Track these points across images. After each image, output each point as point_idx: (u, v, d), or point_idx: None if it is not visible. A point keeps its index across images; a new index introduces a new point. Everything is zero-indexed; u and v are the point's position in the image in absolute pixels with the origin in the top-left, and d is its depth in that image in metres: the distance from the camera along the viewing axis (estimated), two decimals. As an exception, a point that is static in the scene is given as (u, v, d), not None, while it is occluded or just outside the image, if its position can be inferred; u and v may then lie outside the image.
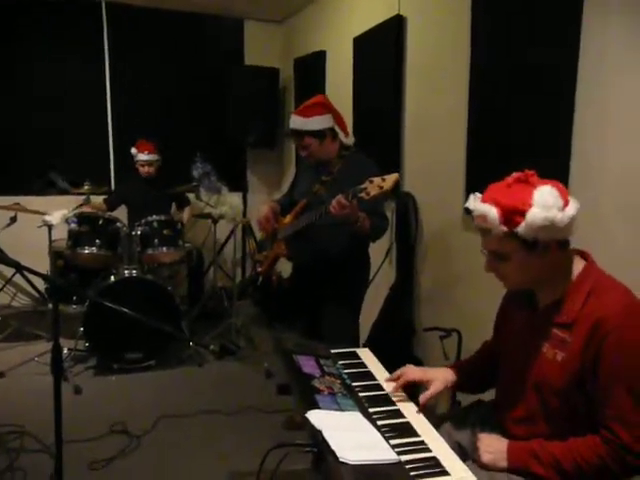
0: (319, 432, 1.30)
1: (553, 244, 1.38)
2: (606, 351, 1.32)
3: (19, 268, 1.71)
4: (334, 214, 2.22)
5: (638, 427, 1.29)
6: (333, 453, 1.22)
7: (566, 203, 1.36)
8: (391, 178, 2.09)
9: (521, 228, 1.34)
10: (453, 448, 1.60)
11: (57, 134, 4.59)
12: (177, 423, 2.93)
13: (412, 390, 1.72)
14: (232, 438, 2.74)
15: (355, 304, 2.73)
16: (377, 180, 2.10)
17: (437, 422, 1.70)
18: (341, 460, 1.21)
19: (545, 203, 1.32)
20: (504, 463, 1.44)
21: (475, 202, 1.44)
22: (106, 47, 4.71)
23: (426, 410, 1.62)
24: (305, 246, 2.62)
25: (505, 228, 1.36)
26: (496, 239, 1.41)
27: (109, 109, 4.77)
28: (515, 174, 1.44)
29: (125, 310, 2.06)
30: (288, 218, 2.67)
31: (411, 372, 1.72)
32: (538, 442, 1.43)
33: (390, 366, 1.85)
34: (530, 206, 1.33)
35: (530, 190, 1.35)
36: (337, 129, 2.59)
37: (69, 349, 3.56)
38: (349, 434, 1.32)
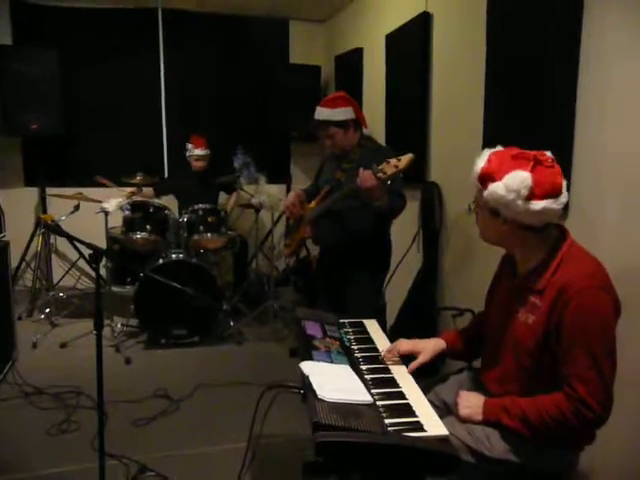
0: (306, 377, 1.50)
1: (513, 222, 1.52)
2: (568, 315, 1.45)
3: (70, 238, 2.01)
4: (361, 187, 2.37)
5: (593, 383, 1.41)
6: (314, 392, 1.42)
7: (536, 197, 1.45)
8: (406, 158, 2.26)
9: (485, 192, 1.50)
10: (439, 406, 1.78)
11: (116, 131, 5.01)
12: (213, 391, 3.21)
13: (407, 361, 1.88)
14: (260, 407, 2.97)
15: (377, 283, 2.88)
16: (393, 160, 2.28)
17: (429, 385, 1.87)
18: (319, 397, 1.40)
19: (508, 185, 1.46)
20: (479, 417, 1.59)
21: (484, 152, 1.59)
22: (161, 49, 5.08)
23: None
24: (329, 227, 2.80)
25: (479, 185, 1.52)
26: (475, 188, 1.58)
27: (163, 106, 5.14)
28: (533, 152, 1.52)
29: (169, 282, 2.36)
30: (313, 203, 2.87)
31: (402, 345, 1.87)
32: (510, 398, 1.57)
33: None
34: (500, 180, 1.48)
35: (520, 166, 1.47)
36: (357, 121, 2.76)
37: (122, 325, 3.93)
38: (332, 379, 1.51)
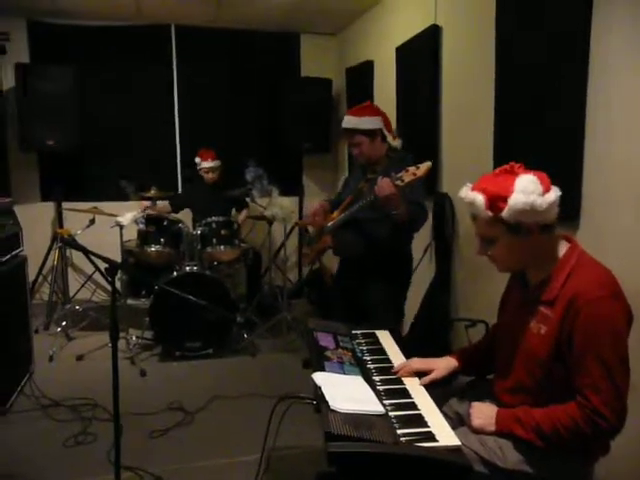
0: (319, 387, 1.52)
1: (535, 228, 1.53)
2: (579, 324, 1.45)
3: (86, 252, 2.05)
4: (379, 195, 2.38)
5: (606, 393, 1.41)
6: (326, 403, 1.43)
7: (547, 190, 1.50)
8: (424, 165, 2.29)
9: (505, 212, 1.50)
10: (452, 417, 1.78)
11: (130, 145, 5.09)
12: (227, 403, 3.22)
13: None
14: (274, 419, 2.98)
15: (397, 297, 2.86)
16: (412, 168, 2.31)
17: (442, 397, 1.87)
18: (332, 408, 1.41)
19: (525, 189, 1.47)
20: (492, 427, 1.59)
21: (466, 191, 1.61)
22: (174, 65, 5.16)
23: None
24: (348, 238, 2.80)
25: (490, 213, 1.52)
26: (484, 224, 1.57)
27: (177, 121, 5.22)
28: (503, 166, 1.60)
29: (184, 295, 2.39)
30: (335, 213, 2.88)
31: (415, 363, 1.88)
32: (523, 409, 1.57)
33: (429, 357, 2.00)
34: (512, 192, 1.49)
35: (513, 178, 1.51)
36: (385, 132, 2.76)
37: (137, 337, 3.97)
38: (345, 390, 1.53)
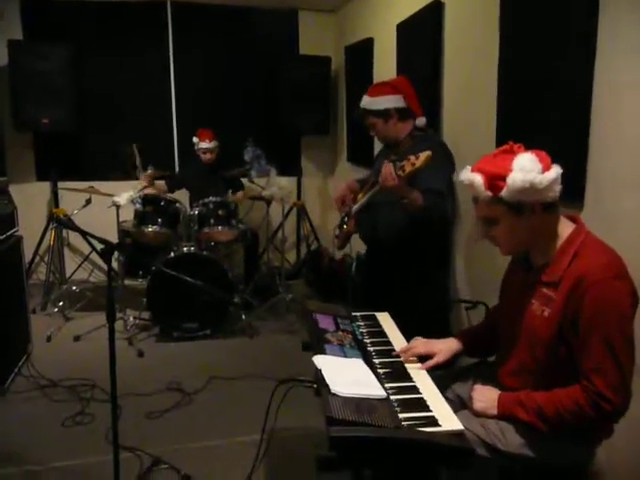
0: (319, 370, 1.50)
1: (537, 206, 1.50)
2: (584, 306, 1.43)
3: (82, 233, 2.01)
4: (382, 185, 2.30)
5: (611, 375, 1.39)
6: (327, 386, 1.41)
7: (546, 168, 1.47)
8: (423, 155, 2.20)
9: (504, 192, 1.47)
10: (454, 400, 1.76)
11: (126, 124, 5.00)
12: (225, 384, 3.22)
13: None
14: (274, 401, 2.98)
15: (424, 284, 2.74)
16: (412, 158, 2.22)
17: (445, 381, 1.85)
18: (333, 392, 1.39)
19: (523, 167, 1.45)
20: (494, 411, 1.58)
21: (465, 172, 1.58)
22: (171, 42, 5.05)
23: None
24: (369, 223, 2.74)
25: (490, 193, 1.50)
26: (484, 205, 1.54)
27: (173, 100, 5.13)
28: (502, 146, 1.57)
29: (181, 276, 2.36)
30: (360, 196, 2.81)
31: (418, 346, 1.86)
32: (525, 392, 1.55)
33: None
34: (510, 171, 1.46)
35: (512, 158, 1.49)
36: (408, 110, 2.64)
37: (134, 318, 3.95)
38: (345, 373, 1.51)
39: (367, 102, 2.63)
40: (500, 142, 2.70)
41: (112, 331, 1.90)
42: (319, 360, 1.56)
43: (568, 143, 2.16)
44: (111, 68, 4.94)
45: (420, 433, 1.32)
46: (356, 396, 1.40)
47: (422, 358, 1.82)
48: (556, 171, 1.48)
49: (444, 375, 1.87)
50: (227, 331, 3.97)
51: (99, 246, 1.95)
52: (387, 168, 2.24)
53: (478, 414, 1.60)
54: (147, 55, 5.05)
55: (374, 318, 2.12)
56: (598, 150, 2.09)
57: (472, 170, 1.56)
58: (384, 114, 2.62)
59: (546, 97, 2.34)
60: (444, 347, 1.86)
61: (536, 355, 1.57)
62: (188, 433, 2.70)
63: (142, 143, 4.36)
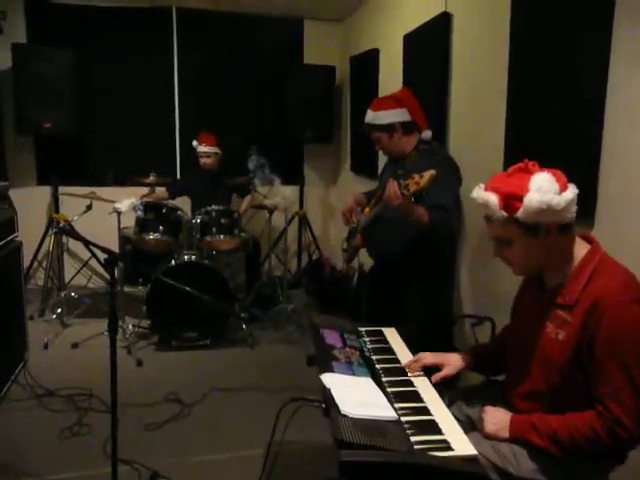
0: (328, 390, 1.46)
1: (554, 228, 1.46)
2: (601, 330, 1.39)
3: (85, 242, 1.97)
4: (387, 203, 2.26)
5: (628, 403, 1.36)
6: (337, 407, 1.37)
7: (563, 188, 1.44)
8: (427, 174, 2.15)
9: (520, 213, 1.44)
10: (463, 421, 1.72)
11: (129, 130, 4.98)
12: (225, 396, 3.16)
13: (428, 374, 1.83)
14: (272, 411, 2.91)
15: (429, 299, 2.71)
16: (416, 177, 2.17)
17: (452, 398, 1.82)
18: (343, 413, 1.35)
19: (541, 188, 1.41)
20: (506, 434, 1.54)
21: (478, 191, 1.55)
22: (175, 48, 5.04)
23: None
24: (376, 238, 2.70)
25: (505, 213, 1.46)
26: (499, 225, 1.51)
27: (177, 106, 5.11)
28: (517, 165, 1.54)
29: (183, 287, 2.32)
30: (366, 210, 2.78)
31: (427, 358, 1.84)
32: (538, 415, 1.51)
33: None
34: (527, 191, 1.42)
35: (528, 177, 1.45)
36: (412, 123, 2.61)
37: (133, 326, 3.90)
38: (355, 393, 1.47)
39: (371, 117, 2.61)
40: (508, 157, 2.68)
41: (114, 343, 1.85)
42: (327, 379, 1.52)
43: (579, 159, 2.14)
44: (115, 73, 4.92)
45: (433, 458, 1.27)
46: (366, 417, 1.36)
47: (428, 373, 1.80)
48: (572, 191, 1.45)
49: (453, 394, 1.84)
50: (227, 341, 3.92)
51: (101, 255, 1.92)
52: (392, 186, 2.21)
53: (489, 437, 1.56)
54: (151, 61, 5.03)
55: (381, 334, 2.08)
56: (610, 167, 2.06)
57: (486, 189, 1.52)
58: (388, 128, 2.59)
59: (557, 111, 2.31)
60: (453, 359, 1.84)
61: (550, 379, 1.53)
62: (187, 446, 2.65)
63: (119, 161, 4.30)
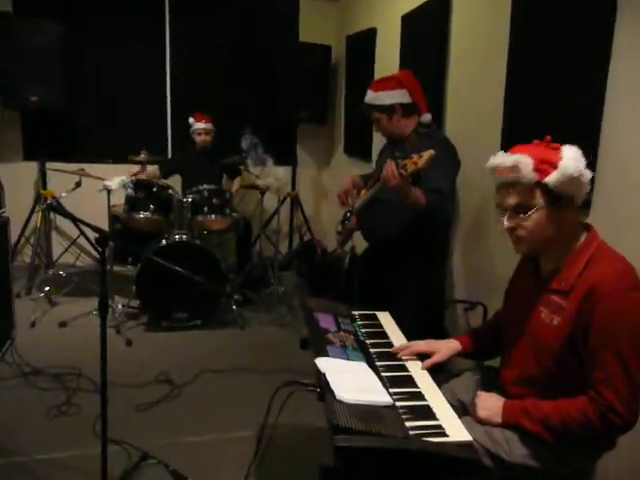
0: (323, 374, 1.44)
1: (574, 202, 1.47)
2: (596, 317, 1.39)
3: (74, 220, 1.92)
4: (385, 183, 2.23)
5: (622, 389, 1.35)
6: (332, 392, 1.36)
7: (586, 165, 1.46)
8: (426, 154, 2.11)
9: (551, 177, 1.42)
10: (456, 405, 1.72)
11: (120, 106, 4.88)
12: (216, 377, 3.15)
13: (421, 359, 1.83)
14: (264, 394, 2.88)
15: (424, 283, 2.70)
16: (415, 157, 2.13)
17: (444, 380, 1.82)
18: (338, 398, 1.34)
19: (575, 157, 1.43)
20: (498, 419, 1.54)
21: (502, 156, 1.51)
22: (167, 25, 4.92)
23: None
24: (371, 221, 2.68)
25: (537, 176, 1.43)
26: (523, 190, 1.47)
27: (168, 84, 5.01)
28: (535, 141, 1.53)
29: (175, 268, 2.28)
30: (362, 192, 2.74)
31: (418, 345, 1.83)
32: (531, 401, 1.51)
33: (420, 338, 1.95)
34: (561, 159, 1.43)
35: (555, 149, 1.47)
36: (413, 105, 2.57)
37: (123, 305, 3.86)
38: (350, 378, 1.45)
39: (371, 97, 2.56)
40: (506, 141, 2.65)
41: (104, 323, 1.82)
42: (322, 363, 1.50)
43: (578, 144, 2.12)
44: (105, 47, 4.80)
45: (429, 444, 1.27)
46: (362, 403, 1.34)
47: (420, 358, 1.79)
48: (589, 171, 1.46)
49: (444, 379, 1.84)
50: (218, 322, 3.90)
51: (91, 233, 1.87)
52: (390, 166, 2.17)
53: (482, 422, 1.56)
54: (143, 37, 4.91)
55: (375, 318, 2.07)
56: (608, 153, 2.04)
57: (512, 153, 1.49)
58: (388, 110, 2.55)
59: (557, 96, 2.28)
60: (444, 347, 1.83)
61: (544, 364, 1.52)
62: (178, 427, 2.64)
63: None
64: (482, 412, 1.56)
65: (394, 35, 3.82)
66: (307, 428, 2.58)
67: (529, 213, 1.47)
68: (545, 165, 1.43)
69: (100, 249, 1.74)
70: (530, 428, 1.47)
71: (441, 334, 3.04)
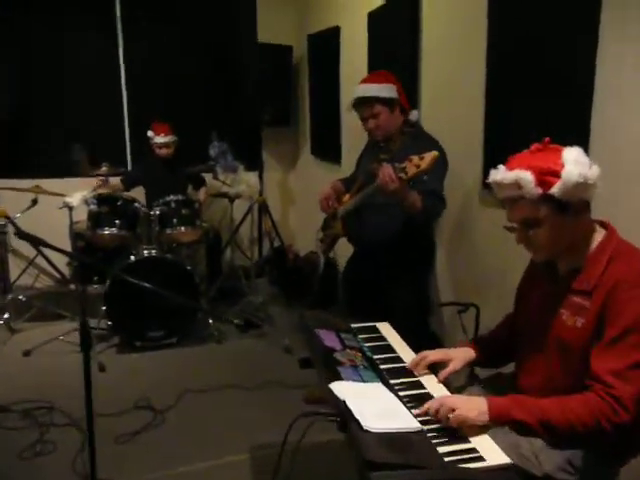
0: (342, 402, 1.33)
1: (583, 206, 1.41)
2: (618, 311, 1.34)
3: (38, 244, 1.75)
4: (381, 188, 2.13)
5: (634, 385, 1.29)
6: (357, 422, 1.25)
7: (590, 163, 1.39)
8: (429, 156, 2.03)
9: (556, 188, 1.35)
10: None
11: (73, 116, 4.60)
12: (200, 398, 2.99)
13: (433, 370, 1.75)
14: (254, 412, 2.79)
15: (418, 293, 2.67)
16: (415, 159, 2.04)
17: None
18: (365, 428, 1.23)
19: (577, 160, 1.35)
20: (486, 417, 1.38)
21: (502, 172, 1.44)
22: (119, 28, 4.69)
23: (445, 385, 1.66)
24: (360, 225, 2.58)
25: (540, 190, 1.36)
26: (529, 205, 1.40)
27: (124, 90, 4.77)
28: (534, 144, 1.45)
29: (150, 286, 2.12)
30: (347, 197, 2.63)
31: (432, 355, 1.74)
32: (524, 396, 1.44)
33: (408, 342, 1.88)
34: (562, 166, 1.35)
35: (556, 153, 1.39)
36: (400, 103, 2.50)
37: (92, 327, 3.62)
38: (372, 403, 1.35)
39: (375, 89, 2.43)
40: (488, 141, 2.61)
41: (87, 361, 1.66)
42: (338, 388, 1.39)
43: (565, 139, 2.08)
44: (54, 56, 4.53)
45: (468, 473, 1.18)
46: (390, 431, 1.24)
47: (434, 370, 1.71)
48: (596, 167, 1.39)
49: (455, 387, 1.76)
50: (194, 338, 3.73)
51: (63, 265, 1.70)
52: (387, 170, 2.07)
53: (468, 422, 1.41)
54: (93, 42, 4.65)
55: (376, 330, 1.97)
56: (598, 147, 2.01)
57: (510, 168, 1.42)
58: (390, 103, 2.44)
59: (542, 91, 2.24)
60: (459, 355, 1.74)
61: (571, 368, 1.46)
62: (164, 458, 2.47)
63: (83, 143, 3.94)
64: (471, 414, 1.39)
65: (360, 34, 3.74)
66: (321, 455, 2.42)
67: (539, 226, 1.42)
68: (547, 176, 1.36)
69: (79, 279, 1.58)
70: (523, 419, 1.35)
71: (428, 338, 2.99)
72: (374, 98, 2.42)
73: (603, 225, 1.51)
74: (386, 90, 2.43)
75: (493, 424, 1.39)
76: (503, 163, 1.47)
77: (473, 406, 1.40)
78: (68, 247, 3.74)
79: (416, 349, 1.83)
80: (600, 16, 1.94)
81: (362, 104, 2.47)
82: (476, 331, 2.61)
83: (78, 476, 2.31)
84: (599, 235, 1.47)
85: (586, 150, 1.96)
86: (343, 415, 1.30)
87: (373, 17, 3.59)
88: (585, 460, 1.43)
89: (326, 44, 4.38)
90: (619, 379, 1.30)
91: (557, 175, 1.34)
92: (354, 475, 1.43)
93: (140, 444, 2.59)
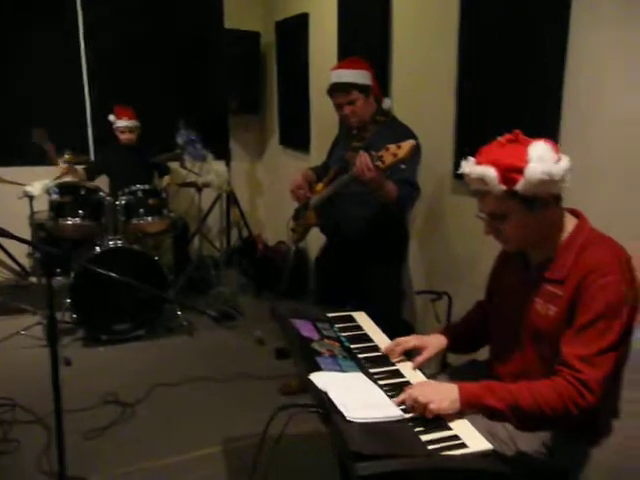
0: (324, 393, 1.31)
1: (551, 200, 1.41)
2: (588, 299, 1.36)
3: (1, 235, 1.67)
4: (357, 177, 2.12)
5: (599, 370, 1.32)
6: (340, 413, 1.24)
7: (559, 157, 1.39)
8: (407, 144, 2.02)
9: (520, 185, 1.36)
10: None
11: (32, 102, 4.42)
12: (170, 391, 2.94)
13: (407, 356, 1.75)
14: (227, 404, 2.76)
15: (394, 280, 2.67)
16: (392, 147, 2.03)
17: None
18: (348, 419, 1.22)
19: (542, 157, 1.34)
20: (457, 404, 1.39)
21: (471, 165, 1.45)
22: (79, 9, 4.51)
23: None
24: (334, 215, 2.55)
25: (504, 187, 1.37)
26: (495, 199, 1.42)
27: (85, 75, 4.61)
28: (505, 135, 1.46)
29: (120, 277, 2.06)
30: (320, 186, 2.60)
31: (407, 341, 1.74)
32: (493, 382, 1.45)
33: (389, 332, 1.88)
34: (527, 162, 1.35)
35: (523, 148, 1.38)
36: (373, 90, 2.48)
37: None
38: (353, 394, 1.34)
39: (352, 75, 2.39)
40: (460, 131, 2.62)
41: (55, 356, 1.60)
42: (318, 379, 1.37)
43: (538, 126, 2.10)
44: (12, 36, 4.33)
45: (452, 460, 1.18)
46: (373, 421, 1.24)
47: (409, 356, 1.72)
48: (567, 160, 1.39)
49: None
50: (163, 330, 3.66)
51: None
52: (364, 158, 2.05)
53: (442, 411, 1.42)
54: (54, 25, 4.46)
55: (352, 319, 1.96)
56: (570, 137, 2.04)
57: (479, 162, 1.42)
58: (366, 89, 2.42)
59: (514, 79, 2.26)
60: (433, 342, 1.75)
61: (544, 355, 1.48)
62: (135, 452, 2.41)
63: (46, 127, 3.77)
64: (442, 403, 1.38)
65: (329, 20, 3.70)
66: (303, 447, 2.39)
67: (506, 220, 1.43)
68: (511, 173, 1.36)
69: (45, 271, 1.51)
70: (493, 405, 1.36)
71: (401, 325, 3.01)
72: (350, 84, 2.39)
73: (574, 213, 1.52)
74: (361, 76, 2.41)
75: (465, 411, 1.40)
76: (474, 152, 1.47)
77: (444, 396, 1.40)
78: (29, 238, 3.62)
79: (389, 337, 1.84)
80: (571, 1, 1.97)
81: (338, 90, 2.43)
82: (448, 319, 2.64)
83: (44, 474, 2.23)
84: (570, 224, 1.49)
85: (556, 139, 2.04)
86: (325, 406, 1.28)
87: (343, 3, 3.55)
88: (555, 441, 1.45)
89: (294, 31, 4.33)
90: (587, 364, 1.32)
91: (521, 172, 1.34)
92: (333, 465, 1.42)
93: (110, 439, 2.52)
